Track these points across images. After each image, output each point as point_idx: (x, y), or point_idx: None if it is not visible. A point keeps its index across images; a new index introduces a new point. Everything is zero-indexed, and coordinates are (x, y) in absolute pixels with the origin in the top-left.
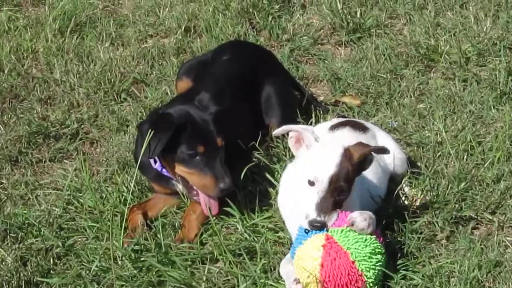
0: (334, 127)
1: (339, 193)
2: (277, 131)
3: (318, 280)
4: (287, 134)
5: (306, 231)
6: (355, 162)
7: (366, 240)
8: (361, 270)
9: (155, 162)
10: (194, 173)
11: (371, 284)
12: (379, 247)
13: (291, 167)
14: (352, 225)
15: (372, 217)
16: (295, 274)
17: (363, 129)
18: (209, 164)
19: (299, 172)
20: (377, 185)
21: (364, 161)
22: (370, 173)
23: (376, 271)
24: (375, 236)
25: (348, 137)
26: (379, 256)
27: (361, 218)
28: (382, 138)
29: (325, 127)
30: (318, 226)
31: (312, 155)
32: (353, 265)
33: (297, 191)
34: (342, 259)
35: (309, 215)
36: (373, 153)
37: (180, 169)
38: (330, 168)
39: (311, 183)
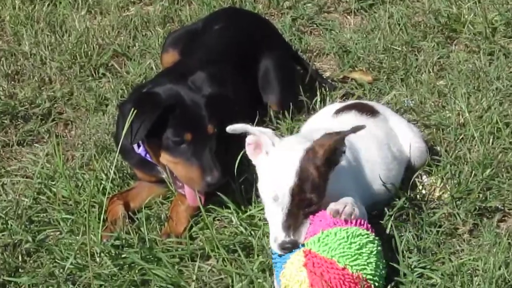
0: (339, 111)
1: (306, 205)
2: (231, 128)
3: None
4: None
5: (280, 254)
6: (321, 162)
7: (348, 237)
8: (356, 272)
9: (139, 146)
10: (180, 162)
11: (376, 278)
12: (364, 236)
13: None
14: (339, 214)
15: (349, 201)
16: None
17: (372, 112)
18: (196, 153)
19: (260, 186)
20: (393, 173)
21: (334, 155)
22: (379, 158)
23: (373, 264)
24: (356, 227)
25: (353, 123)
26: (369, 247)
27: (341, 205)
28: (396, 123)
29: (330, 111)
30: (289, 247)
31: (269, 164)
32: (344, 271)
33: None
34: (330, 272)
35: (277, 238)
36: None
37: (164, 158)
38: (289, 179)
39: (275, 199)
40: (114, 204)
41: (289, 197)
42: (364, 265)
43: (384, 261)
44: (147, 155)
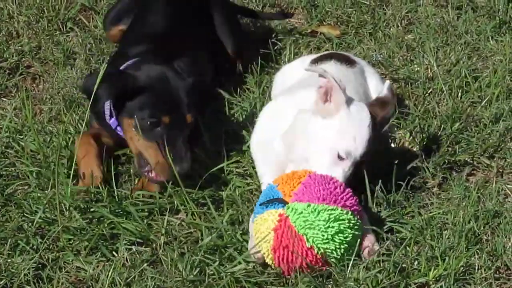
0: (316, 61)
1: (362, 168)
2: (309, 68)
3: (273, 262)
4: None
5: (262, 205)
6: (378, 128)
7: (329, 220)
8: (321, 254)
9: (111, 116)
10: (152, 146)
11: (340, 261)
12: (345, 221)
13: (273, 105)
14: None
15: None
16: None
17: (350, 62)
18: (170, 140)
19: (327, 138)
20: None
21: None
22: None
23: (343, 249)
24: (341, 210)
25: (334, 71)
26: (347, 233)
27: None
28: (371, 74)
29: (305, 61)
30: None
31: (344, 121)
32: (309, 251)
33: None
34: (295, 246)
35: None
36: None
37: (136, 138)
38: (363, 143)
39: (340, 157)
40: (86, 146)
41: (358, 159)
42: (333, 249)
43: (357, 245)
44: (118, 128)
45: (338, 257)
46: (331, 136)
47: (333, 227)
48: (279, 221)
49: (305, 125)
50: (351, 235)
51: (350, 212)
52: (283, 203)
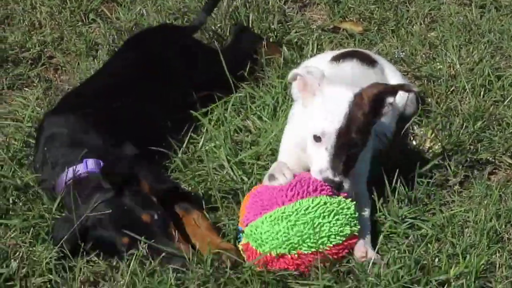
0: (337, 59)
1: (350, 146)
2: (289, 77)
3: None
4: None
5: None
6: (367, 109)
7: (274, 225)
8: (294, 253)
9: None
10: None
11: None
12: (292, 215)
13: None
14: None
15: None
16: None
17: (371, 62)
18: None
19: (306, 125)
20: (385, 123)
21: (380, 105)
22: None
23: (311, 237)
24: (287, 206)
25: (356, 72)
26: (301, 223)
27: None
28: (391, 73)
29: (325, 58)
30: (332, 185)
31: (317, 104)
32: (283, 258)
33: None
34: (273, 262)
35: (322, 171)
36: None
37: None
38: (337, 119)
39: (317, 139)
40: None
41: (336, 136)
42: (299, 243)
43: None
44: None
45: (315, 242)
46: (308, 121)
47: (279, 230)
48: (244, 250)
49: (298, 117)
50: (305, 219)
51: (294, 204)
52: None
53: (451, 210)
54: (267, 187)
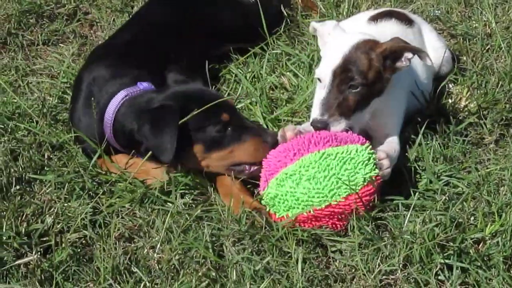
0: (375, 18)
1: (348, 86)
2: (309, 30)
3: None
4: None
5: None
6: (376, 56)
7: (281, 186)
8: (308, 208)
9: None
10: (235, 147)
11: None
12: (296, 172)
13: None
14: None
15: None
16: None
17: (409, 22)
18: (241, 128)
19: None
20: (423, 80)
21: (396, 58)
22: (418, 66)
23: (317, 186)
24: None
25: (395, 31)
26: (291, 182)
27: (387, 163)
28: (428, 32)
29: (363, 18)
30: (318, 127)
31: (324, 51)
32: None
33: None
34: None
35: (311, 116)
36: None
37: (214, 157)
38: (335, 60)
39: (319, 80)
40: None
41: (331, 76)
42: (306, 201)
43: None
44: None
45: (325, 195)
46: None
47: (286, 191)
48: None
49: None
50: (308, 174)
51: (296, 162)
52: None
53: (487, 169)
54: (273, 152)
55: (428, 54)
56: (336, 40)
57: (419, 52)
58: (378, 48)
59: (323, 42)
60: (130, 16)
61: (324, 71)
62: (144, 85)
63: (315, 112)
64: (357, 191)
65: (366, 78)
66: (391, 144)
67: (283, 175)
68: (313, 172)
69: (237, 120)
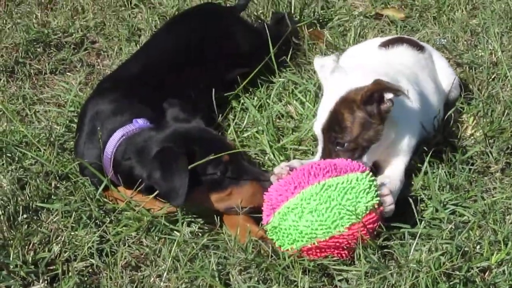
0: (387, 44)
1: (335, 144)
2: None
3: None
4: None
5: None
6: (359, 106)
7: (283, 221)
8: (312, 241)
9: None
10: (233, 190)
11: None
12: (297, 206)
13: None
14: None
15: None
16: None
17: (420, 48)
18: (240, 171)
19: None
20: (436, 108)
21: (380, 101)
22: (430, 95)
23: (319, 220)
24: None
25: (407, 57)
26: (285, 221)
27: (390, 199)
28: (438, 59)
29: (373, 44)
30: None
31: (323, 89)
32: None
33: None
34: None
35: None
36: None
37: (214, 198)
38: (322, 117)
39: (314, 136)
40: None
41: (321, 134)
42: (310, 233)
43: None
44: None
45: (328, 227)
46: None
47: (290, 225)
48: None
49: None
50: (310, 207)
51: (297, 196)
52: None
53: (493, 197)
54: (274, 186)
55: (407, 92)
56: (329, 87)
57: (396, 91)
58: (357, 97)
59: (324, 79)
60: (140, 46)
61: (316, 129)
62: (140, 123)
63: None
64: (360, 220)
65: (351, 134)
66: (395, 176)
67: (285, 209)
68: (314, 205)
69: (237, 161)
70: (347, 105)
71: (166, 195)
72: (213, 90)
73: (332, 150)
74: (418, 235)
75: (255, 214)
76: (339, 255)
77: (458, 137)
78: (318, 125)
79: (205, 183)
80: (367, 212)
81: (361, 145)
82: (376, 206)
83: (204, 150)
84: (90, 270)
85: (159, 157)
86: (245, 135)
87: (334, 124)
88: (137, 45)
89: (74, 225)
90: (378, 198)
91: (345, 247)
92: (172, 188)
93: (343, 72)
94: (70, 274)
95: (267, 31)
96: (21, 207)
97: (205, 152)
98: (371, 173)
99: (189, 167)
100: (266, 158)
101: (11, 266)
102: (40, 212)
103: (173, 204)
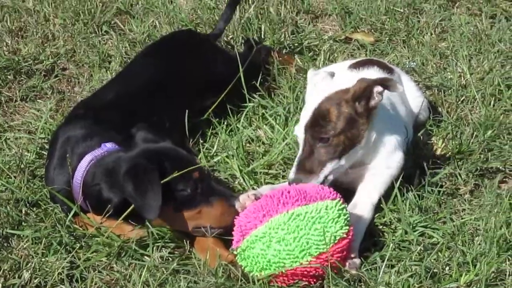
0: (357, 66)
1: (319, 139)
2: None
3: None
4: None
5: None
6: (348, 102)
7: (251, 248)
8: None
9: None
10: (202, 209)
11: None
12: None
13: None
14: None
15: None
16: None
17: (389, 70)
18: (209, 190)
19: None
20: (408, 130)
21: (369, 98)
22: (403, 117)
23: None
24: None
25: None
26: (258, 246)
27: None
28: (406, 82)
29: (343, 66)
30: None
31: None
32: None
33: None
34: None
35: (289, 173)
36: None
37: (186, 216)
38: (306, 117)
39: (296, 138)
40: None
41: (303, 133)
42: (278, 262)
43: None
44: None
45: (296, 256)
46: None
47: (258, 253)
48: None
49: None
50: (278, 236)
51: (266, 224)
52: None
53: (462, 219)
54: (245, 212)
55: (396, 81)
56: (318, 91)
57: (386, 82)
58: (346, 94)
59: (314, 85)
60: (115, 73)
61: (298, 129)
62: (108, 146)
63: (291, 172)
64: (328, 249)
65: (335, 128)
66: (365, 205)
67: (254, 237)
68: (282, 234)
69: (206, 180)
70: (333, 101)
71: (140, 208)
72: (186, 117)
73: (314, 146)
74: (387, 257)
75: (224, 236)
76: (308, 281)
77: (428, 159)
78: (300, 126)
79: (177, 199)
80: (335, 241)
81: (343, 143)
82: (344, 235)
83: (174, 166)
84: None
85: (131, 172)
86: (216, 159)
87: (318, 119)
88: (108, 71)
89: (44, 251)
90: (347, 227)
91: (314, 275)
92: (146, 202)
93: (332, 79)
94: None
95: (238, 58)
96: None
97: (176, 168)
98: (341, 201)
99: (162, 181)
100: (236, 182)
101: None
102: (10, 239)
103: (147, 218)
